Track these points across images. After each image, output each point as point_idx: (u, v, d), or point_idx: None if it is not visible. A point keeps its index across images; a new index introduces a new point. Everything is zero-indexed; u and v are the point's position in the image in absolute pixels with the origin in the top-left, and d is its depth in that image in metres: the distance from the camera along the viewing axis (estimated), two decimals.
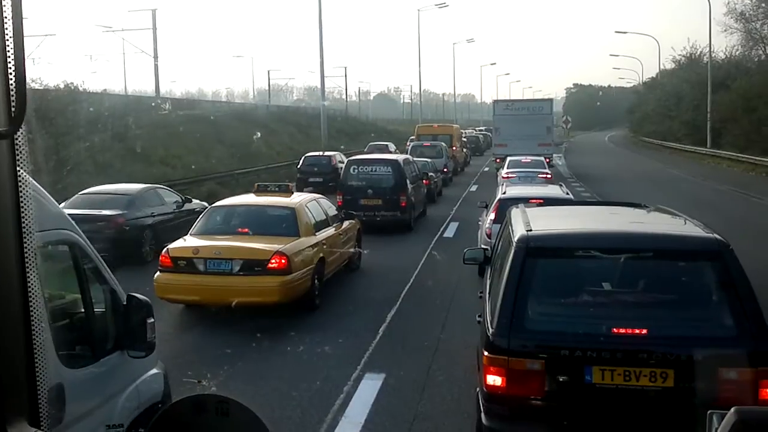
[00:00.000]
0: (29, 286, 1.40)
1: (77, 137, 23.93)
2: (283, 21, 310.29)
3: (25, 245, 1.38)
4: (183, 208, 15.35)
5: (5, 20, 1.25)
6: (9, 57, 1.27)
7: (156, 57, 44.70)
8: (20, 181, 1.36)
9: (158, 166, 27.99)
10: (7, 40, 1.26)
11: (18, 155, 1.36)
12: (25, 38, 1.29)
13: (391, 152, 35.44)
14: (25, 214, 1.37)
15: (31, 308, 1.41)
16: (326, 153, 30.45)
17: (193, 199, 16.63)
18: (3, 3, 1.25)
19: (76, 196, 14.18)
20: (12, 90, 1.28)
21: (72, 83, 29.57)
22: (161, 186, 16.43)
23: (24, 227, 1.37)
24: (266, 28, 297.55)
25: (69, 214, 14.21)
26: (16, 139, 1.35)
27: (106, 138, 26.74)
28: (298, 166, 28.98)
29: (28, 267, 1.39)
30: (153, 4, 67.66)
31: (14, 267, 1.36)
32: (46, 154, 20.92)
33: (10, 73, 1.28)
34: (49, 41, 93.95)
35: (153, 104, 33.72)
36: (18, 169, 1.36)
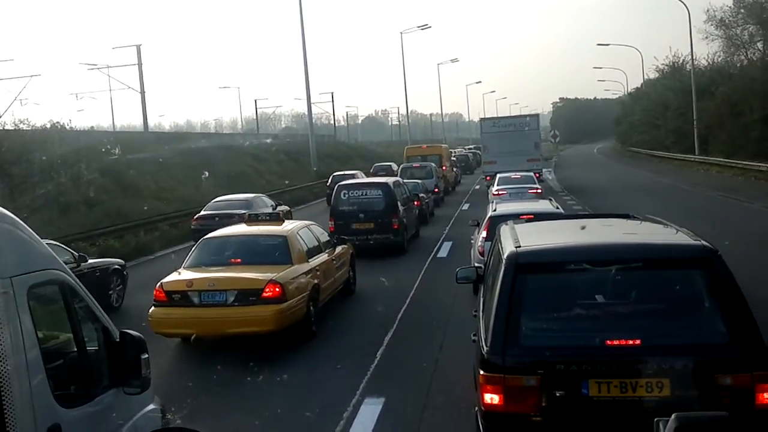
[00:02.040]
0: None
1: (66, 176, 23.94)
2: (267, 50, 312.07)
3: None
4: (276, 210, 21.50)
5: None
6: None
7: (143, 92, 44.91)
8: None
9: (151, 201, 27.97)
10: None
11: None
12: None
13: (393, 171, 35.93)
14: None
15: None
16: (350, 172, 35.15)
17: (282, 204, 24.38)
18: None
19: (212, 201, 22.18)
20: None
21: (59, 122, 29.63)
22: (262, 195, 24.04)
23: None
24: (251, 57, 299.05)
25: (212, 214, 19.10)
26: None
27: (95, 175, 26.76)
28: (328, 184, 33.43)
29: None
30: (138, 40, 68.07)
31: None
32: (36, 193, 20.93)
33: None
34: (35, 82, 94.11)
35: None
36: None
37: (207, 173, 35.14)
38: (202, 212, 21.36)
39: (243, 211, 19.28)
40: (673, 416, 1.73)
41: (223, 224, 18.30)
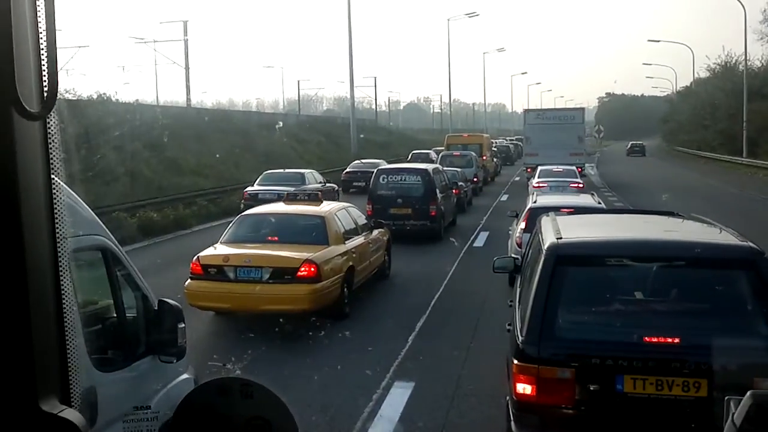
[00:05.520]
0: (62, 279, 1.42)
1: (109, 147, 24.24)
2: (313, 31, 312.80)
3: (57, 234, 1.39)
4: None
5: (37, 4, 1.24)
6: (41, 39, 1.25)
7: (187, 68, 45.27)
8: (52, 167, 1.36)
9: (190, 176, 28.27)
10: (39, 19, 1.24)
11: (50, 140, 1.35)
12: (56, 25, 1.26)
13: None
14: (58, 208, 1.38)
15: (63, 292, 1.42)
16: (425, 151, 41.84)
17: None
18: None
19: (354, 162, 32.89)
20: (44, 72, 1.27)
21: (105, 94, 30.00)
22: (382, 160, 32.15)
23: (57, 215, 1.38)
24: (296, 38, 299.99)
25: (355, 171, 27.72)
26: (48, 123, 1.34)
27: (138, 148, 27.08)
28: (408, 159, 38.35)
29: (60, 260, 1.40)
30: (184, 16, 68.62)
31: (48, 261, 1.37)
32: (79, 162, 21.23)
33: (42, 57, 1.26)
34: (82, 53, 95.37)
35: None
36: (50, 153, 1.36)
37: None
38: (348, 169, 30.58)
39: (374, 170, 26.34)
40: (748, 393, 1.68)
41: (365, 178, 26.26)
